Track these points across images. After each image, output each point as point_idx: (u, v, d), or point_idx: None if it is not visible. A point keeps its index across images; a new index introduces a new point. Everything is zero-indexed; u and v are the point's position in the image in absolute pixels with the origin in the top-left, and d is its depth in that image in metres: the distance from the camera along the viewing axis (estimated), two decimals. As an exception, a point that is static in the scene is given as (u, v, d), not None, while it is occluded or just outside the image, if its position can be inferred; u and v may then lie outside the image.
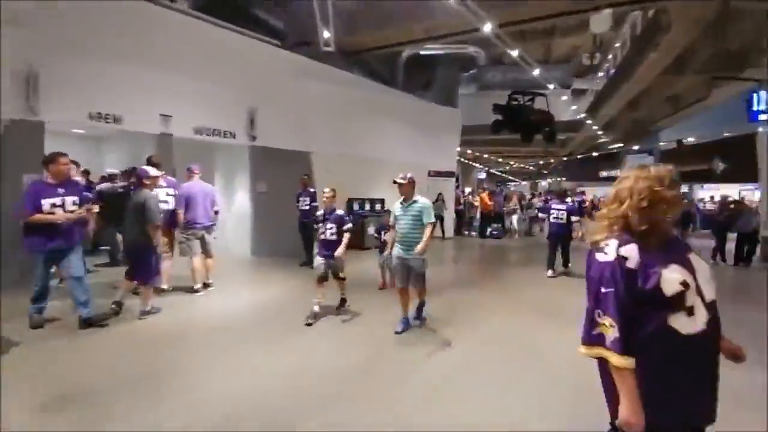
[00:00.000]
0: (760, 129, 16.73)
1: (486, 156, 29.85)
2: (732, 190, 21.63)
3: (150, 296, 4.26)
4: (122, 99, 6.30)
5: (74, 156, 5.23)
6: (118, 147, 9.13)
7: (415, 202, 4.07)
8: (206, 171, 9.58)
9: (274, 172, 8.15)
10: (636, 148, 20.69)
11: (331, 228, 4.45)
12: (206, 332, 4.08)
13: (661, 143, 20.54)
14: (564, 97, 15.06)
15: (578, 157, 28.34)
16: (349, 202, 9.84)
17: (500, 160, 32.69)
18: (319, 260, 4.49)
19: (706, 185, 22.92)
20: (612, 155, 25.47)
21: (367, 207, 10.27)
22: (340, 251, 4.40)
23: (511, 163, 36.04)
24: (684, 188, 25.35)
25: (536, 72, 11.97)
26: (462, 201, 13.42)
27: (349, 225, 4.59)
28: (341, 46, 11.98)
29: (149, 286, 4.22)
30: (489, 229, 13.05)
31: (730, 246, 9.19)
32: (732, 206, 9.21)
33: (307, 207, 7.23)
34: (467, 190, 20.59)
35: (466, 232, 13.68)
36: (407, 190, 4.08)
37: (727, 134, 17.06)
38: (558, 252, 7.21)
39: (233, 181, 8.67)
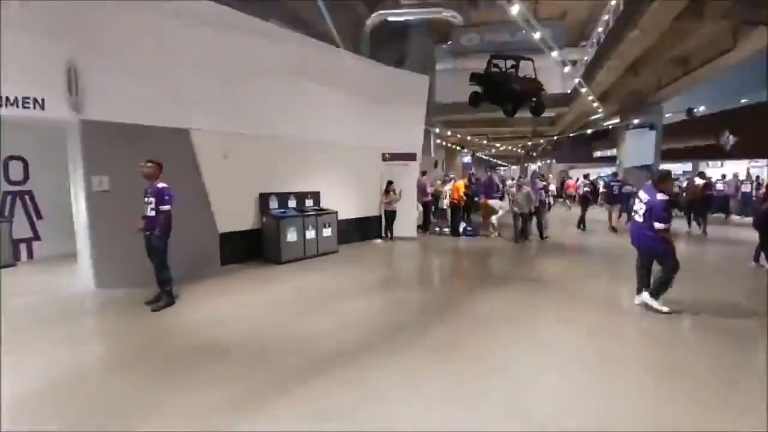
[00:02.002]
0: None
1: (469, 138, 27.22)
2: (740, 167, 19.34)
3: None
4: None
5: None
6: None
7: None
8: (56, 162, 6.92)
9: (126, 160, 5.42)
10: (636, 122, 18.16)
11: None
12: None
13: (666, 115, 18.01)
14: (554, 54, 12.34)
15: (570, 135, 25.81)
16: (262, 198, 7.16)
17: (485, 142, 30.06)
18: None
19: (712, 162, 20.58)
20: (607, 132, 22.98)
21: (292, 204, 7.59)
22: None
23: (497, 145, 33.47)
24: (687, 167, 23.03)
25: (515, 9, 9.17)
26: (429, 191, 10.80)
27: None
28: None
29: None
30: (463, 226, 10.49)
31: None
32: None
33: (153, 213, 4.56)
34: (448, 174, 17.84)
35: (437, 229, 11.10)
36: None
37: (744, 101, 14.57)
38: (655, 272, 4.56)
39: (75, 175, 5.92)
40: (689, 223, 10.92)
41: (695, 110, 16.56)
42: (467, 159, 36.96)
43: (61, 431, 2.45)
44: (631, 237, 4.70)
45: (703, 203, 10.60)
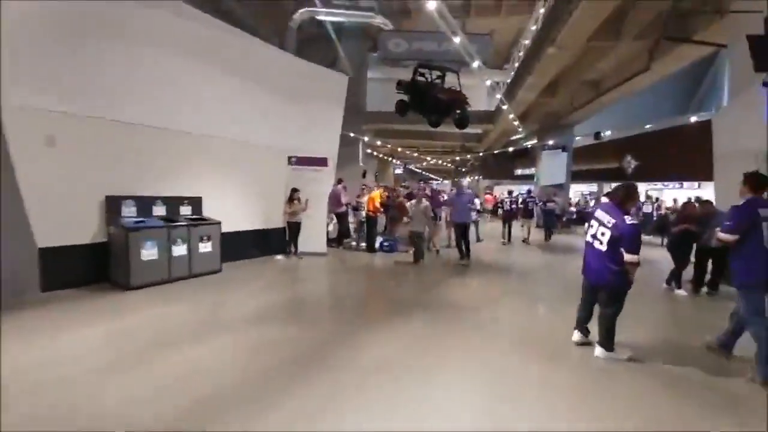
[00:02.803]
0: (693, 118, 15.67)
1: (399, 149, 26.94)
2: (640, 189, 21.10)
3: None
4: None
5: None
6: None
7: None
8: None
9: None
10: (551, 143, 19.02)
11: None
12: None
13: (577, 138, 19.09)
14: (475, 64, 12.14)
15: (494, 152, 26.64)
16: (111, 202, 5.53)
17: (416, 155, 30.05)
18: None
19: (615, 184, 22.28)
20: (527, 151, 23.99)
21: (160, 211, 6.04)
22: None
23: (428, 159, 33.76)
24: (593, 188, 24.75)
25: (431, 5, 8.63)
26: (344, 201, 9.76)
27: None
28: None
29: None
30: (380, 240, 9.59)
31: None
32: (699, 209, 6.52)
33: None
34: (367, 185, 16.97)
35: (353, 243, 10.08)
36: None
37: (648, 127, 15.74)
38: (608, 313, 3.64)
39: None
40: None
41: (602, 134, 17.67)
42: (399, 170, 36.92)
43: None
44: (587, 269, 3.76)
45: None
